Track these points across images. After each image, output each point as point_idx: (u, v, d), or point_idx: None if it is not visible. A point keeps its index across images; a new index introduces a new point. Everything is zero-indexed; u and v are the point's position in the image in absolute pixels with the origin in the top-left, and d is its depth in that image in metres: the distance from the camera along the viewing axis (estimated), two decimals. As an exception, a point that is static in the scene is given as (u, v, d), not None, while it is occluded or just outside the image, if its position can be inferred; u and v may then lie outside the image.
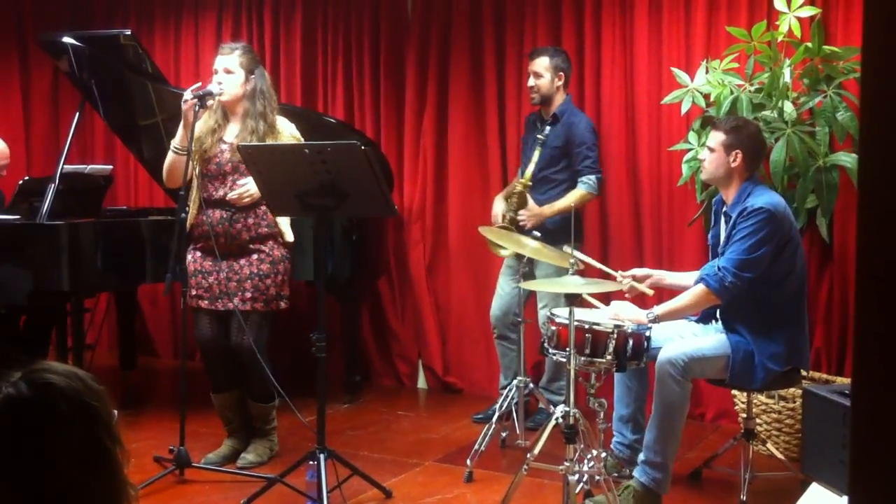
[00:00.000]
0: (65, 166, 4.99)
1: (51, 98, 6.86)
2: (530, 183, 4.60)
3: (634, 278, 3.89)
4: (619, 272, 3.94)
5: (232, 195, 4.06)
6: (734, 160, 3.67)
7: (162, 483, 3.99)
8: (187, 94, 4.01)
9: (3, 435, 1.49)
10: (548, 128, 4.63)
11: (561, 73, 4.72)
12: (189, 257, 4.21)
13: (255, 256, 4.11)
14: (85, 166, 5.79)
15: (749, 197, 3.64)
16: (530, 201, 4.63)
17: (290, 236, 4.17)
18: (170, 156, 4.14)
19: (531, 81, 4.75)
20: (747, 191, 3.66)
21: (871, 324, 0.92)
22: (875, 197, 0.94)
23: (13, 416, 1.48)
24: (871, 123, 0.96)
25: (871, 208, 0.94)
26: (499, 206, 4.86)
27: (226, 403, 4.33)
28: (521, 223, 4.59)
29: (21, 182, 5.28)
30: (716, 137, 3.72)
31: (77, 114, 5.13)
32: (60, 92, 6.80)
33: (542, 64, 4.71)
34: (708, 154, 3.75)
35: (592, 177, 4.70)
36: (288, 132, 4.14)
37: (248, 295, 4.11)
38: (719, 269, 3.60)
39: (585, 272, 3.87)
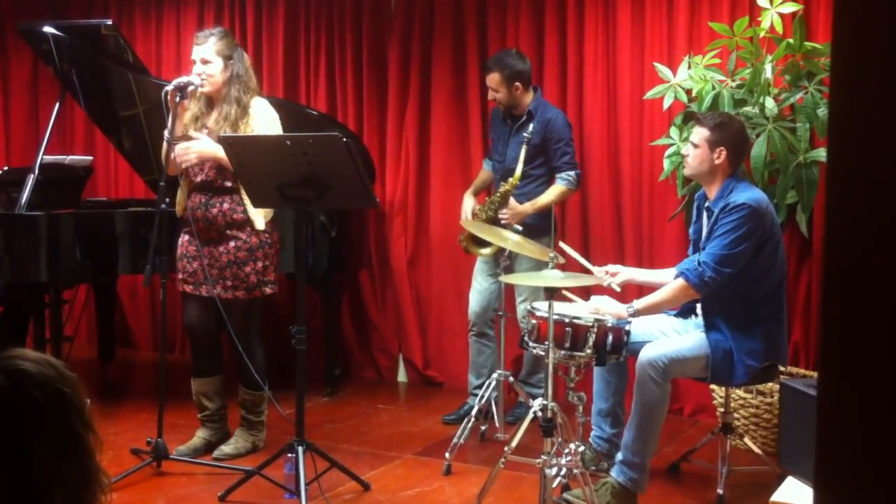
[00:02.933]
0: (44, 157, 4.96)
1: (30, 88, 6.81)
2: (519, 182, 4.57)
3: (607, 273, 3.91)
4: (596, 268, 3.95)
5: (177, 149, 4.01)
6: (718, 157, 3.68)
7: (139, 475, 3.97)
8: (168, 86, 3.99)
9: (-26, 420, 1.48)
10: (531, 126, 4.62)
11: (517, 84, 4.66)
12: (178, 241, 4.21)
13: (232, 244, 4.10)
14: (65, 157, 5.75)
15: (732, 193, 3.65)
16: (511, 199, 4.62)
17: (259, 224, 4.13)
18: (164, 146, 4.12)
19: (491, 94, 4.73)
20: (730, 187, 3.67)
21: (832, 316, 0.93)
22: (841, 193, 0.94)
23: (-15, 402, 1.47)
24: (839, 120, 0.96)
25: (838, 204, 0.95)
26: (469, 203, 4.85)
27: (204, 389, 4.32)
28: (502, 221, 4.57)
29: (0, 172, 5.24)
30: (700, 133, 3.73)
31: (57, 104, 5.09)
32: (40, 82, 6.75)
33: (494, 80, 4.66)
34: (692, 150, 3.75)
35: (572, 172, 4.69)
36: (263, 115, 4.11)
37: (229, 283, 4.11)
38: (699, 263, 3.61)
39: (566, 266, 3.87)
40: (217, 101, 4.13)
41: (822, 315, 0.95)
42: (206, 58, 4.06)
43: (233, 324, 4.10)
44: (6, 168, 5.41)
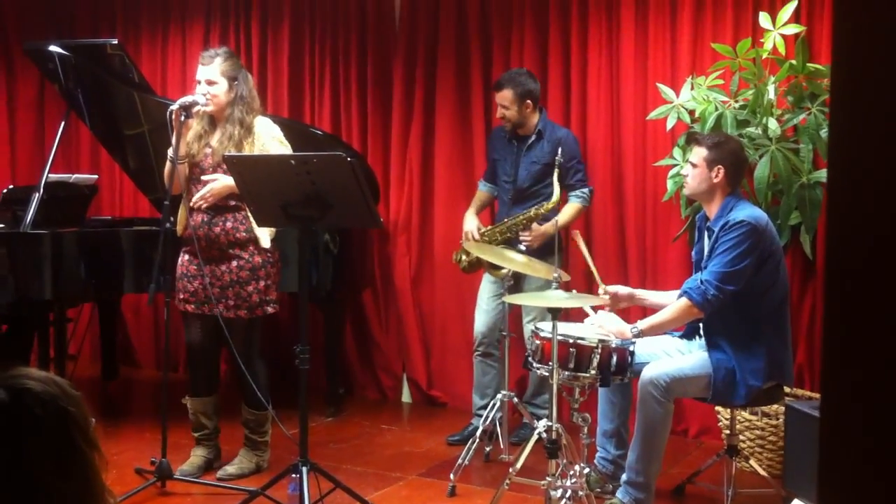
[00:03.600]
0: (49, 175, 4.97)
1: (36, 106, 6.84)
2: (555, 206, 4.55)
3: (616, 296, 3.89)
4: (604, 286, 3.94)
5: (195, 199, 4.06)
6: (716, 175, 3.69)
7: (143, 495, 3.96)
8: (173, 106, 4.02)
9: (-21, 438, 1.48)
10: (544, 145, 4.63)
11: (528, 102, 4.68)
12: (178, 260, 4.22)
13: (234, 263, 4.11)
14: (70, 175, 5.76)
15: (731, 211, 3.65)
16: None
17: (265, 242, 4.14)
18: (167, 165, 4.13)
19: (499, 112, 4.75)
20: (730, 205, 3.68)
21: (835, 330, 0.94)
22: (842, 205, 0.95)
23: (-10, 420, 1.47)
24: (839, 132, 0.97)
25: (839, 216, 0.95)
26: (472, 222, 4.84)
27: (202, 408, 4.31)
28: (524, 244, 4.54)
29: (5, 191, 5.25)
30: (698, 153, 3.74)
31: (63, 123, 5.10)
32: (46, 100, 6.78)
33: (506, 97, 4.68)
34: (691, 169, 3.77)
35: (585, 189, 4.71)
36: (267, 134, 4.13)
37: (231, 303, 4.11)
38: (702, 282, 3.61)
39: (570, 285, 3.87)
40: (220, 122, 4.14)
41: (823, 323, 0.95)
42: (211, 78, 4.08)
43: (235, 343, 4.09)
44: (11, 186, 5.42)
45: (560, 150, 4.50)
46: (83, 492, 1.51)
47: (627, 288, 4.02)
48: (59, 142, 5.07)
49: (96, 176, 6.08)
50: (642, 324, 3.71)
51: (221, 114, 4.12)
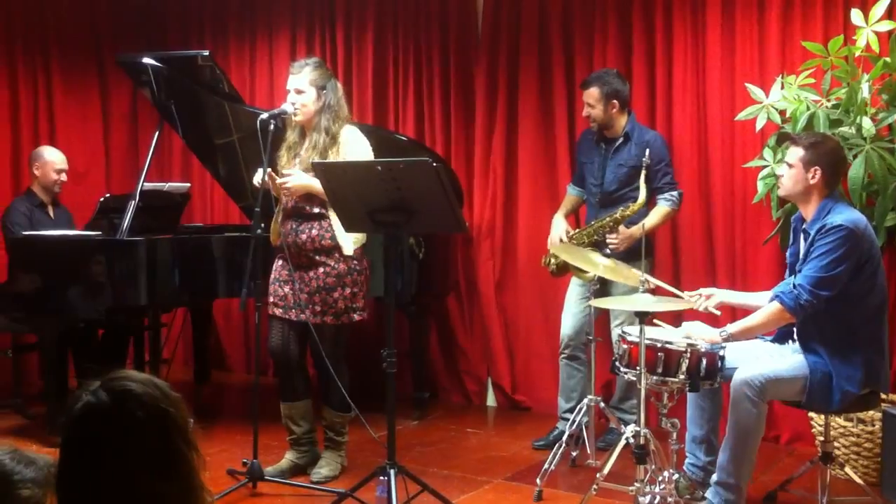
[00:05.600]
0: (144, 184, 5.11)
1: (129, 117, 7.04)
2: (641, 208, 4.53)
3: (700, 296, 3.83)
4: (687, 293, 3.89)
5: (280, 181, 4.12)
6: (813, 176, 3.60)
7: (235, 496, 4.05)
8: (263, 115, 4.11)
9: (83, 441, 1.53)
10: (632, 148, 4.61)
11: (614, 102, 4.65)
12: (273, 265, 4.30)
13: (321, 270, 4.17)
14: (163, 184, 5.92)
15: (829, 214, 3.56)
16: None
17: (348, 249, 4.18)
18: (259, 173, 4.21)
19: (585, 111, 4.72)
20: (827, 208, 3.59)
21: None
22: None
23: (93, 422, 1.53)
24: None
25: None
26: (560, 225, 4.82)
27: (293, 413, 4.38)
28: (611, 247, 4.52)
29: (101, 199, 5.42)
30: (795, 153, 3.66)
31: (156, 133, 5.25)
32: (139, 111, 6.98)
33: (592, 95, 4.66)
34: (786, 170, 3.69)
35: (674, 192, 4.65)
36: (354, 141, 4.17)
37: (318, 308, 4.18)
38: (795, 286, 3.53)
39: (657, 291, 3.83)
40: (308, 130, 4.21)
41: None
42: (300, 88, 4.15)
43: (323, 347, 4.15)
44: (108, 195, 5.58)
45: (647, 152, 4.46)
46: (183, 491, 1.55)
47: (715, 289, 3.94)
48: (153, 151, 5.20)
49: (189, 184, 6.23)
50: (732, 327, 3.64)
51: (310, 123, 4.19)
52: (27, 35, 6.36)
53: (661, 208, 4.65)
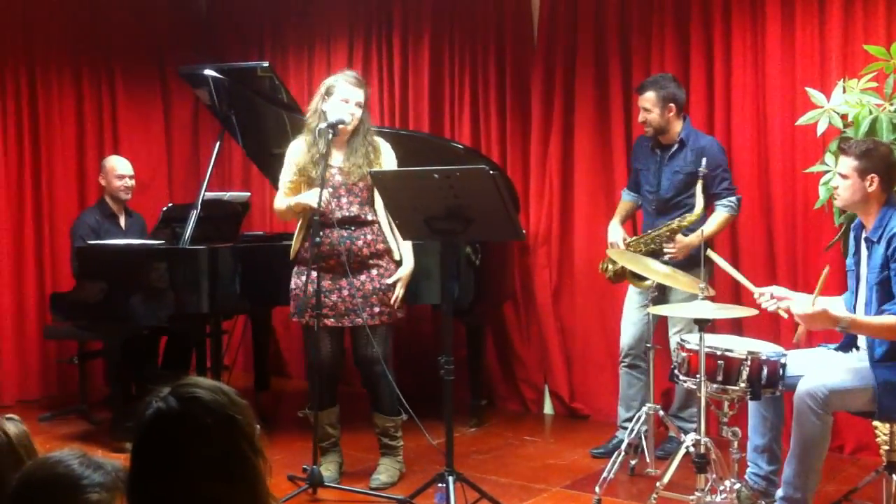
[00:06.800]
0: (205, 193, 5.19)
1: (191, 128, 7.17)
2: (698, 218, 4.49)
3: (773, 296, 3.75)
4: (756, 287, 3.81)
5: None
6: (871, 184, 3.55)
7: (295, 501, 4.10)
8: (322, 125, 4.19)
9: (153, 446, 1.57)
10: (688, 153, 4.57)
11: (671, 105, 4.61)
12: (300, 280, 4.29)
13: (374, 272, 4.27)
14: (224, 193, 6.01)
15: (890, 221, 3.51)
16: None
17: (396, 253, 4.35)
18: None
19: (641, 116, 4.70)
20: (888, 215, 3.53)
21: None
22: None
23: (163, 428, 1.56)
24: None
25: None
26: (617, 231, 4.79)
27: (331, 419, 4.45)
28: (667, 256, 4.49)
29: (164, 209, 5.52)
30: (847, 163, 3.61)
31: (217, 143, 5.33)
32: (200, 122, 7.10)
33: (649, 99, 4.63)
34: (841, 181, 3.64)
35: (733, 198, 4.59)
36: (390, 152, 4.38)
37: (377, 309, 4.26)
38: None
39: (716, 298, 3.78)
40: (344, 142, 4.28)
41: None
42: (361, 102, 4.26)
43: (380, 349, 4.24)
44: (170, 204, 5.68)
45: (704, 160, 4.42)
46: (249, 496, 1.58)
47: (788, 290, 3.85)
48: (214, 161, 5.29)
49: (248, 193, 6.32)
50: (850, 319, 3.48)
51: (345, 134, 4.26)
52: (92, 48, 6.50)
53: (720, 214, 4.60)
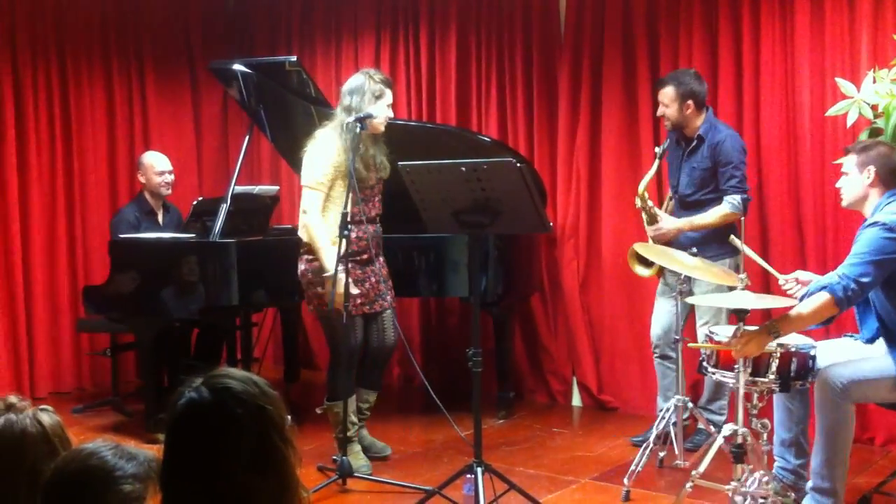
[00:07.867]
0: (235, 187, 5.23)
1: (220, 122, 7.22)
2: (647, 196, 4.62)
3: (798, 281, 3.77)
4: (781, 275, 3.83)
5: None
6: (868, 177, 3.62)
7: (325, 492, 4.14)
8: (349, 119, 4.27)
9: (185, 436, 1.60)
10: (706, 149, 4.56)
11: (689, 102, 4.58)
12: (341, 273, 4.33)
13: (381, 258, 4.57)
14: (253, 187, 6.05)
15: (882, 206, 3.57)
16: (662, 215, 4.58)
17: None
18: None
19: (660, 110, 4.68)
20: (881, 204, 3.58)
21: None
22: None
23: (194, 417, 1.59)
24: None
25: None
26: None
27: (353, 406, 4.53)
28: (651, 238, 4.54)
29: (195, 203, 5.57)
30: (848, 161, 3.70)
31: (246, 137, 5.36)
32: (229, 116, 7.15)
33: (667, 95, 4.61)
34: (843, 180, 3.72)
35: (738, 196, 4.48)
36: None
37: (393, 292, 4.56)
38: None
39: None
40: (370, 139, 4.44)
41: None
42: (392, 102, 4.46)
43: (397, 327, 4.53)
44: (200, 198, 5.72)
45: (704, 152, 4.45)
46: (279, 487, 1.60)
47: (809, 274, 3.86)
48: (243, 155, 5.33)
49: (277, 187, 6.35)
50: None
51: (377, 133, 4.45)
52: (122, 42, 6.57)
53: (721, 209, 4.53)
